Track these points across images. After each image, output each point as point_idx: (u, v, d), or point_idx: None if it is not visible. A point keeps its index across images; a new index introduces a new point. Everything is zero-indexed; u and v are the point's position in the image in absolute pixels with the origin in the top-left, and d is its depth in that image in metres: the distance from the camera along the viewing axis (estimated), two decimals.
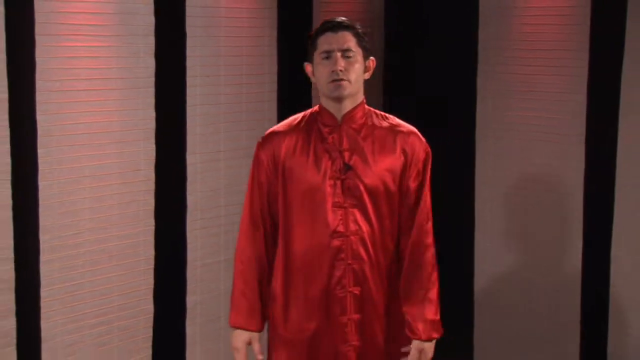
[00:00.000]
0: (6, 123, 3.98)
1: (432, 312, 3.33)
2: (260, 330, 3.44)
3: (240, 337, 3.41)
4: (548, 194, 5.31)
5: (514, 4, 5.33)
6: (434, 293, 3.34)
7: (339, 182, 3.29)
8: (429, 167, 3.39)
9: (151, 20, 4.48)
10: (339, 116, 3.31)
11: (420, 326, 3.32)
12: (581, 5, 5.05)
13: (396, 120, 3.41)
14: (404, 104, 5.47)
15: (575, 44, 5.10)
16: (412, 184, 3.33)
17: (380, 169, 3.31)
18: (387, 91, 5.75)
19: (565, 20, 5.14)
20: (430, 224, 3.37)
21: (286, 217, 3.35)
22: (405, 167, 3.32)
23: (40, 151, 4.13)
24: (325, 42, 3.25)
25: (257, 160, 3.42)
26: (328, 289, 3.32)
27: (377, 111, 3.41)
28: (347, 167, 3.29)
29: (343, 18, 3.32)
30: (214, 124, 4.85)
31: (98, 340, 4.45)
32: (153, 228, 4.64)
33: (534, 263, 5.40)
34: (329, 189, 3.29)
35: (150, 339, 4.68)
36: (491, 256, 5.58)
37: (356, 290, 3.32)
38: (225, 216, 4.95)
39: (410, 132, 3.39)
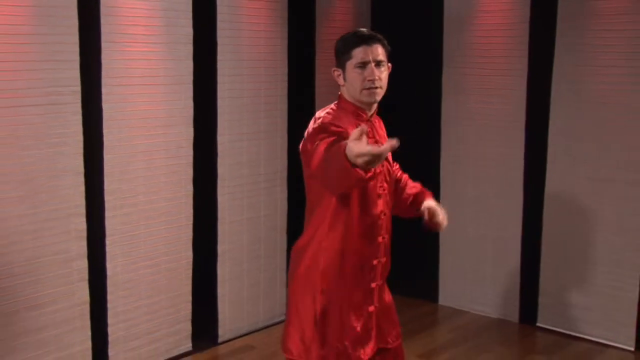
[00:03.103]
0: (79, 109, 4.00)
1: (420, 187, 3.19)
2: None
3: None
4: (496, 167, 5.32)
5: (471, 20, 5.34)
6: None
7: (379, 168, 2.95)
8: None
9: (190, 31, 4.48)
10: (368, 113, 2.98)
11: (424, 190, 3.19)
12: (522, 22, 5.10)
13: None
14: (384, 97, 5.49)
15: (517, 52, 5.14)
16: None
17: (389, 156, 3.05)
18: None
19: (509, 33, 5.16)
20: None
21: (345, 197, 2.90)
22: None
23: (105, 131, 4.15)
24: (361, 53, 2.89)
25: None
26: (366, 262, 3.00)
27: None
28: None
29: (371, 31, 2.99)
30: (238, 112, 4.83)
31: (150, 278, 4.47)
32: (192, 192, 4.62)
33: (485, 221, 5.43)
34: (378, 174, 2.96)
35: (190, 277, 4.69)
36: (453, 216, 5.50)
37: (383, 260, 3.05)
38: (247, 184, 4.93)
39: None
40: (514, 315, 5.34)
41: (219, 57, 4.68)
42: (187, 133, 4.56)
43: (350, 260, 2.95)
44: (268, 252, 5.14)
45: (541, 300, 5.22)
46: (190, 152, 4.60)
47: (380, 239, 3.00)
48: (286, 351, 3.03)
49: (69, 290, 4.07)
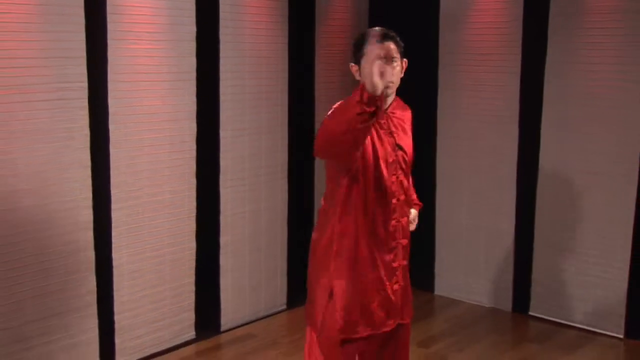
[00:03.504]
0: (86, 104, 4.02)
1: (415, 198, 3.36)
2: None
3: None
4: (490, 160, 5.36)
5: (465, 19, 5.37)
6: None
7: (393, 157, 3.05)
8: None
9: (194, 29, 4.50)
10: (384, 107, 3.04)
11: (417, 202, 3.36)
12: (514, 20, 5.13)
13: (399, 100, 3.20)
14: None
15: (511, 49, 5.17)
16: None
17: (409, 145, 3.14)
18: None
19: (503, 31, 5.19)
20: None
21: (363, 178, 2.99)
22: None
23: (111, 126, 4.17)
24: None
25: None
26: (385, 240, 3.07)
27: None
28: (399, 147, 3.08)
29: (384, 29, 3.05)
30: (240, 108, 4.84)
31: (155, 268, 4.50)
32: (195, 185, 4.65)
33: (479, 212, 5.46)
34: (392, 163, 3.04)
35: (194, 267, 4.72)
36: (448, 208, 5.64)
37: (404, 242, 3.14)
38: (248, 177, 4.95)
39: (408, 108, 3.25)
40: (507, 305, 5.38)
41: (222, 54, 4.70)
42: (190, 128, 4.58)
43: (366, 243, 3.03)
44: (269, 244, 5.17)
45: (533, 289, 5.26)
46: (194, 147, 4.62)
47: (394, 222, 3.08)
48: (309, 325, 3.16)
49: (76, 279, 4.09)
